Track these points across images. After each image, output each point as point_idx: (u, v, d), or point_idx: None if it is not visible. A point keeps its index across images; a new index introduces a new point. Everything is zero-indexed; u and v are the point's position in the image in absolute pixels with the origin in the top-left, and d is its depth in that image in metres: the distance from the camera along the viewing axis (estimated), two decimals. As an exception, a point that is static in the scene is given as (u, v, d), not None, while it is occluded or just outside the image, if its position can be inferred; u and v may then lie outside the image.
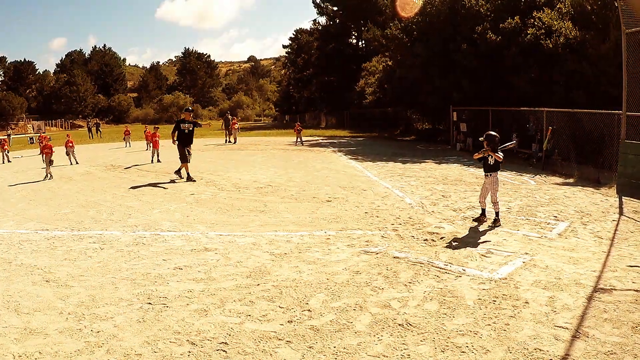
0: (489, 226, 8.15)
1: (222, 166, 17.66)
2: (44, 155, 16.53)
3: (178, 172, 14.68)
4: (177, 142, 14.32)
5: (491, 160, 8.28)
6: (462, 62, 22.92)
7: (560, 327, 4.41)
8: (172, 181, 14.37)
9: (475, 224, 8.35)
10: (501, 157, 8.17)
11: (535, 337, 4.24)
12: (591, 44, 16.97)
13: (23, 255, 7.23)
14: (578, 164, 14.10)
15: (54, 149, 16.54)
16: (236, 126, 32.87)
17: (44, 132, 40.84)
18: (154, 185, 13.90)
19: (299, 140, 28.85)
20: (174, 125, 14.76)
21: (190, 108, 16.59)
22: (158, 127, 22.03)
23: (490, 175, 8.32)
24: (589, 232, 7.68)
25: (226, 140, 32.57)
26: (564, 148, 15.58)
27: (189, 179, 14.31)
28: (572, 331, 4.32)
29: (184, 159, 14.39)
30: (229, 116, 34.91)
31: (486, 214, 8.47)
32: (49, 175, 16.12)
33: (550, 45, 18.27)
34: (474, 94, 22.97)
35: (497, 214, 8.27)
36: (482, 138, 8.42)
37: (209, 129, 52.99)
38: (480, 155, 8.34)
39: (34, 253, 7.32)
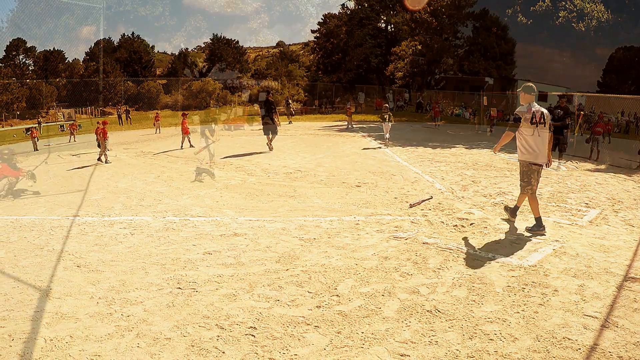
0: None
1: (251, 151, 17.71)
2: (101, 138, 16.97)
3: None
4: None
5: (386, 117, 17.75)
6: (492, 46, 22.55)
7: (589, 316, 4.37)
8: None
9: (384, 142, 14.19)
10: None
11: (564, 325, 4.21)
12: (624, 27, 16.54)
13: (54, 241, 7.41)
14: (610, 150, 13.82)
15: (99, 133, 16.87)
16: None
17: (74, 120, 41.68)
18: (184, 171, 14.06)
19: (350, 125, 28.54)
20: (270, 107, 17.68)
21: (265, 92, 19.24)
22: (187, 114, 22.17)
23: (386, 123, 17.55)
24: (621, 220, 7.54)
25: (289, 122, 35.87)
26: (596, 133, 15.27)
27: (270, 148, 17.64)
28: (601, 320, 4.28)
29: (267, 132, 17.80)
30: (289, 101, 41.27)
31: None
32: (104, 159, 16.71)
33: (582, 29, 17.86)
34: (503, 78, 22.64)
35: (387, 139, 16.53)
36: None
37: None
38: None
39: (65, 239, 7.50)
